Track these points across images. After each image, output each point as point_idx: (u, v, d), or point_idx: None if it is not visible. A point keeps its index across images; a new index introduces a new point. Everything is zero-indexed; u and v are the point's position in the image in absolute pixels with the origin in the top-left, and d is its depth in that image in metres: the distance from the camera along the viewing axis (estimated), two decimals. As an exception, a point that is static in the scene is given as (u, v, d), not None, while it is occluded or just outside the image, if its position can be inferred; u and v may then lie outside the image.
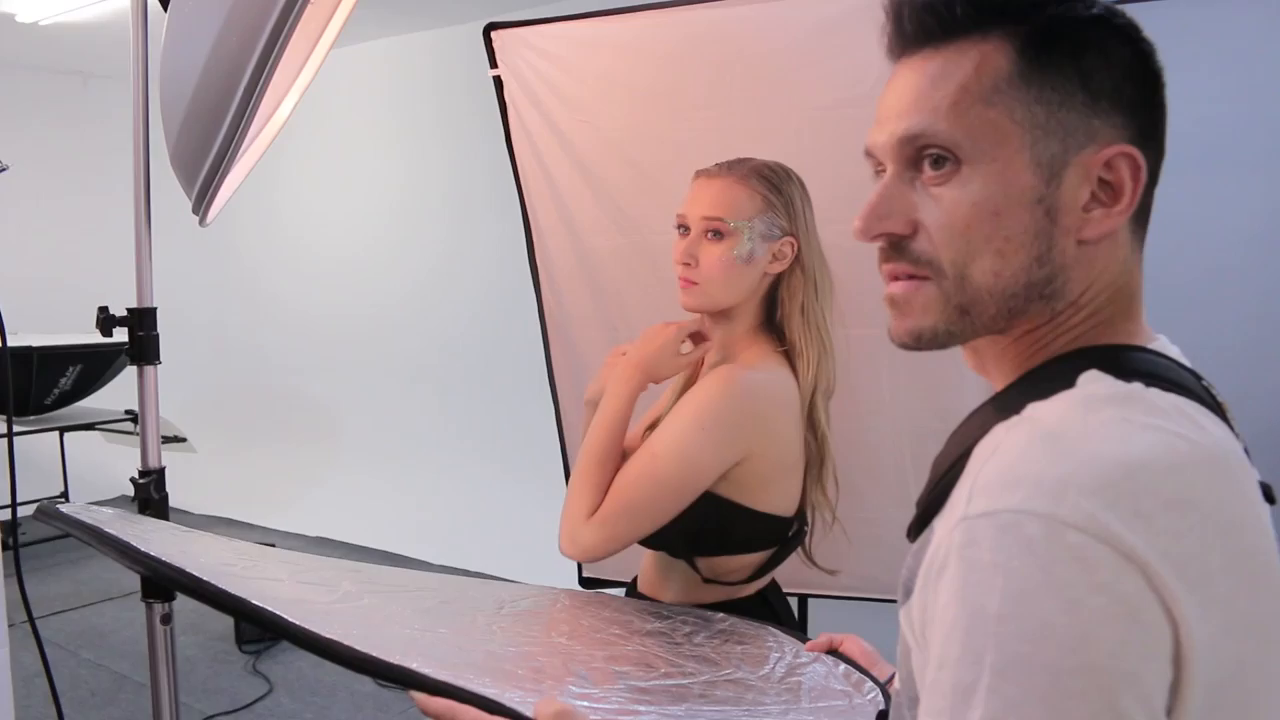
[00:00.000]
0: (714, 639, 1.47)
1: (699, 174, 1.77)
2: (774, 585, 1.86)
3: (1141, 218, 0.81)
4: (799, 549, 1.85)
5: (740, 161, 1.75)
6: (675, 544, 1.73)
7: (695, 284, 1.72)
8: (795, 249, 1.72)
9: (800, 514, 1.80)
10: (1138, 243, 0.82)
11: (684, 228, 1.74)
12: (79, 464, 5.58)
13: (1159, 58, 0.80)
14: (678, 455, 1.64)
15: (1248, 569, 0.68)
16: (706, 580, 1.74)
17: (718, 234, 1.69)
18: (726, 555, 1.73)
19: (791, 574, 1.89)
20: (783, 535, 1.77)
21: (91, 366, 5.24)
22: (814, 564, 1.89)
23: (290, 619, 0.99)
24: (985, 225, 0.78)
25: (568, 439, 2.82)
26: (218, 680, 3.75)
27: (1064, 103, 0.77)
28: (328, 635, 0.97)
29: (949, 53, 0.80)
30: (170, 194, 1.75)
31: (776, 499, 1.72)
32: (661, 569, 1.81)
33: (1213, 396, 0.78)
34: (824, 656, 1.41)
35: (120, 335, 1.71)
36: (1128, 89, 0.78)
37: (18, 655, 1.47)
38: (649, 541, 1.73)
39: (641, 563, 1.89)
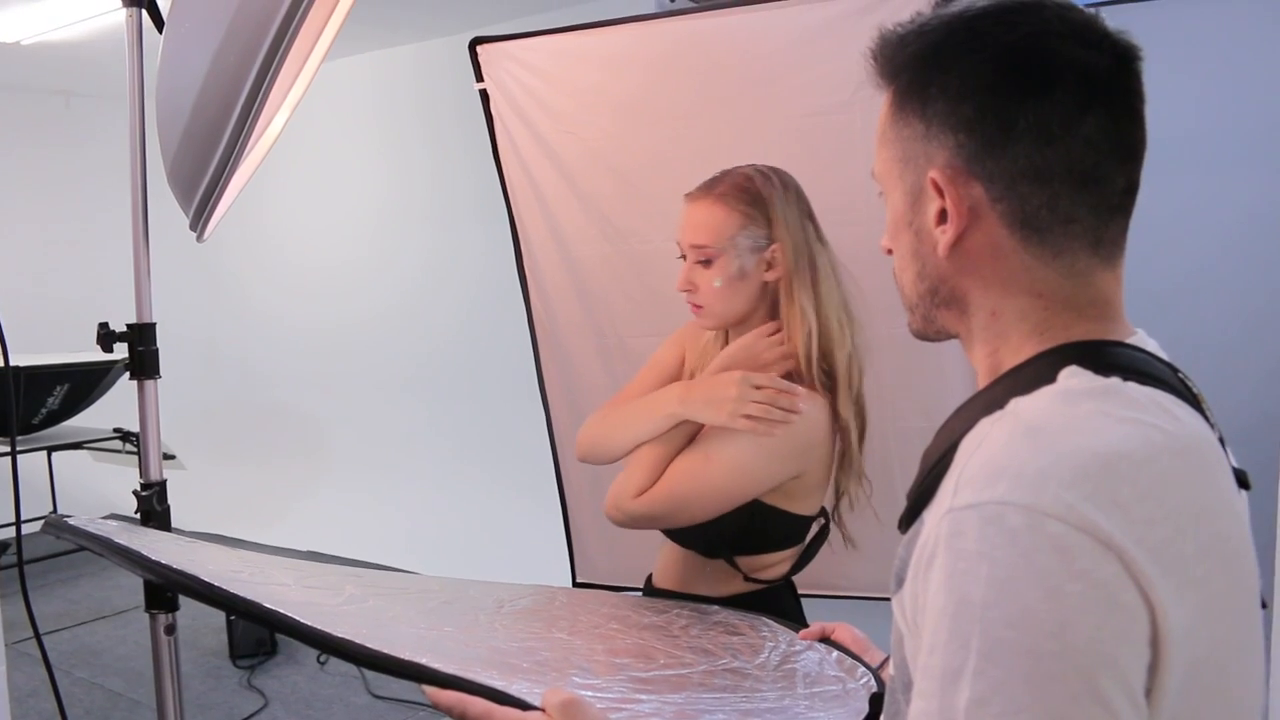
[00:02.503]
0: (710, 630, 1.50)
1: (686, 197, 1.80)
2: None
3: (1040, 222, 0.81)
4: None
5: (720, 177, 1.77)
6: (715, 545, 1.77)
7: (701, 307, 1.77)
8: (784, 253, 1.72)
9: (824, 510, 1.85)
10: (1065, 246, 0.82)
11: (683, 254, 1.78)
12: (67, 483, 5.55)
13: (1047, 54, 0.79)
14: (732, 469, 1.69)
15: (1220, 554, 0.72)
16: (748, 579, 1.78)
17: (706, 261, 1.73)
18: (765, 554, 1.79)
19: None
20: (807, 530, 1.82)
21: (79, 385, 5.22)
22: (844, 539, 1.92)
23: (304, 620, 1.01)
24: (895, 245, 0.91)
25: (559, 446, 2.84)
26: (212, 695, 3.74)
27: (911, 135, 0.85)
28: (340, 635, 1.00)
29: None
30: (155, 210, 1.77)
31: (806, 503, 1.78)
32: (693, 567, 1.83)
33: (1189, 388, 0.81)
34: (817, 644, 1.45)
35: (99, 352, 1.73)
36: (965, 109, 0.81)
37: (8, 676, 1.47)
38: (684, 539, 1.79)
39: (660, 561, 1.91)
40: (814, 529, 1.85)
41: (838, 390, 1.74)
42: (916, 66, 0.85)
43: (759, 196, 1.74)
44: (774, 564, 1.81)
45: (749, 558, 1.78)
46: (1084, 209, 0.81)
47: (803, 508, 1.77)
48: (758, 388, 1.65)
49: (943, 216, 0.84)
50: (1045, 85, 0.79)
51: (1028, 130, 0.79)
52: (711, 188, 1.76)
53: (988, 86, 0.80)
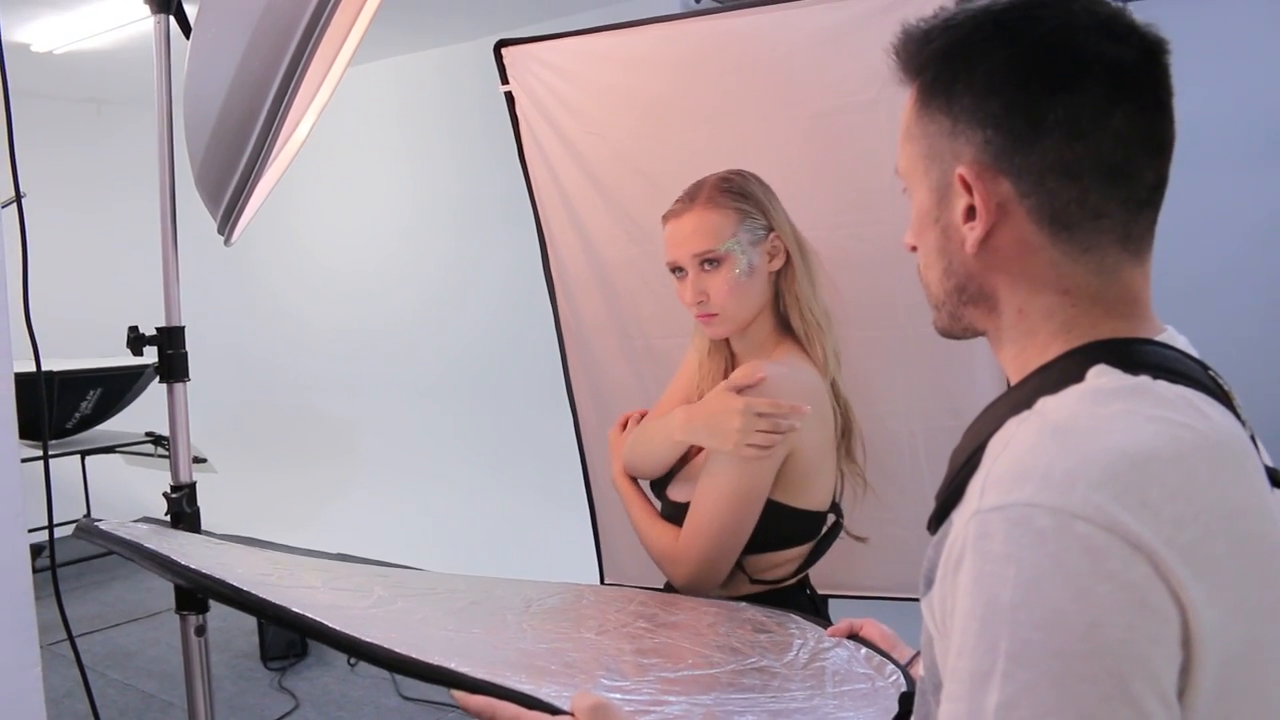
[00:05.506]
0: (738, 629, 1.50)
1: (666, 218, 1.80)
2: (807, 576, 1.89)
3: (1069, 218, 0.80)
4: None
5: (696, 188, 1.79)
6: None
7: (715, 315, 1.75)
8: (783, 240, 1.77)
9: (835, 506, 1.84)
10: (1094, 241, 0.81)
11: (679, 270, 1.78)
12: (100, 487, 5.61)
13: (1074, 48, 0.79)
14: (734, 467, 1.68)
15: (1253, 553, 0.71)
16: (753, 580, 1.77)
17: (714, 262, 1.72)
18: (770, 552, 1.77)
19: (813, 573, 1.91)
20: (820, 528, 1.81)
21: (111, 390, 5.27)
22: (847, 533, 1.92)
23: (333, 625, 1.02)
24: (920, 242, 0.91)
25: (587, 447, 2.84)
26: (244, 697, 3.77)
27: (938, 132, 0.85)
28: (369, 639, 1.00)
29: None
30: (184, 215, 1.78)
31: (811, 494, 1.76)
32: None
33: (1219, 385, 0.80)
34: (845, 641, 1.44)
35: (131, 357, 1.76)
36: (993, 104, 0.81)
37: (44, 677, 1.50)
38: None
39: None
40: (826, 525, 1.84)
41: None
42: (942, 62, 0.84)
43: (745, 191, 1.77)
44: (781, 563, 1.79)
45: (755, 556, 1.76)
46: (1114, 204, 0.80)
47: (806, 500, 1.75)
48: (760, 415, 1.64)
49: (970, 213, 0.83)
50: (1074, 80, 0.78)
51: (1057, 125, 0.78)
52: (694, 199, 1.77)
53: (1016, 82, 0.80)
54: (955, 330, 0.93)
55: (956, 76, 0.83)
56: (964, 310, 0.89)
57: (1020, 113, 0.79)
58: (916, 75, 0.87)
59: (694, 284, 1.74)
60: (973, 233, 0.83)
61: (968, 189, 0.82)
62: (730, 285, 1.72)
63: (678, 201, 1.79)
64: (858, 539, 1.96)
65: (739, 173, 1.80)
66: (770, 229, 1.76)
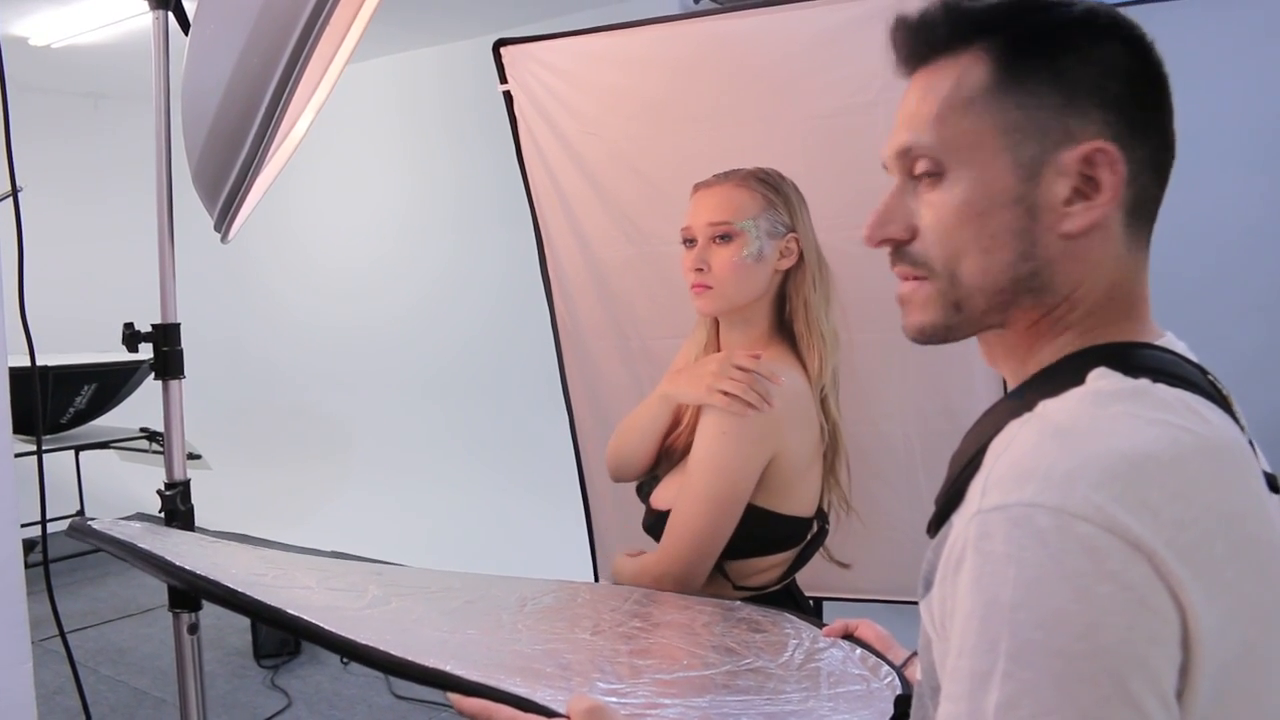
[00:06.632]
0: (733, 628, 1.49)
1: (697, 187, 1.81)
2: (794, 580, 1.89)
3: (1139, 215, 0.82)
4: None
5: (734, 170, 1.80)
6: None
7: (709, 287, 1.75)
8: (799, 244, 1.76)
9: (821, 513, 1.83)
10: (1138, 241, 0.83)
11: (690, 240, 1.78)
12: (94, 483, 5.59)
13: (1159, 56, 0.82)
14: (714, 469, 1.68)
15: (1251, 556, 0.71)
16: (737, 587, 1.77)
17: (726, 237, 1.73)
18: (754, 557, 1.76)
19: (807, 577, 1.91)
20: (805, 534, 1.80)
21: (106, 385, 5.26)
22: (829, 557, 1.92)
23: (328, 628, 1.01)
24: (971, 226, 0.83)
25: (582, 447, 2.84)
26: (236, 695, 3.77)
27: (1040, 105, 0.81)
28: (364, 642, 1.00)
29: (936, 69, 0.86)
30: (181, 212, 1.78)
31: (796, 500, 1.75)
32: None
33: (1218, 390, 0.81)
34: (841, 642, 1.43)
35: (127, 353, 1.75)
36: (1112, 86, 0.80)
37: (35, 673, 1.50)
38: None
39: None
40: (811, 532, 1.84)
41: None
42: (1040, 32, 0.82)
43: (777, 186, 1.78)
44: (765, 569, 1.79)
45: (739, 562, 1.76)
46: (1154, 202, 0.83)
47: (786, 505, 1.74)
48: (739, 368, 1.67)
49: (1075, 194, 0.81)
50: (1161, 84, 0.82)
51: (1157, 118, 0.82)
52: (728, 176, 1.78)
53: (1127, 70, 0.81)
54: (963, 328, 0.87)
55: (1062, 51, 0.81)
56: (1019, 299, 0.84)
57: (1136, 99, 0.81)
58: (980, 39, 0.83)
59: (700, 252, 1.75)
60: (1086, 214, 0.80)
61: (1089, 167, 0.80)
62: (734, 263, 1.72)
63: (713, 176, 1.80)
64: (841, 565, 1.97)
65: (778, 172, 1.81)
66: (791, 229, 1.76)
